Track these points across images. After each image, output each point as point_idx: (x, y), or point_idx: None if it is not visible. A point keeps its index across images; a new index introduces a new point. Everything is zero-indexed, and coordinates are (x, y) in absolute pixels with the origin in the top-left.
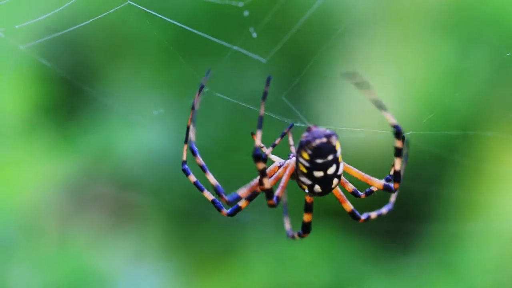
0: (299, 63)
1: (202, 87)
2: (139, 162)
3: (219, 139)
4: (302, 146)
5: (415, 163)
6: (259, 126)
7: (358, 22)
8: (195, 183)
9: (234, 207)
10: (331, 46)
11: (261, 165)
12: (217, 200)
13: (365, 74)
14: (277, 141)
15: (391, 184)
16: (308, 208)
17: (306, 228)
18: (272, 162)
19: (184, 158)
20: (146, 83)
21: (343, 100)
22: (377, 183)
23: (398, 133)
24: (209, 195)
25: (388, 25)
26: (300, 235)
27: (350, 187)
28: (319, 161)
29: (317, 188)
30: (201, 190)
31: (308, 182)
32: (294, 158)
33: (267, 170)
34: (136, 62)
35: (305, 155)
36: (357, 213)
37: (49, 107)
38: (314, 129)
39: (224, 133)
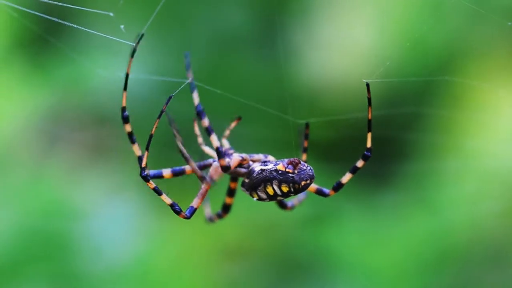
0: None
1: (134, 51)
2: (115, 96)
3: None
4: (286, 181)
5: (390, 106)
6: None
7: None
8: (154, 189)
9: (190, 209)
10: None
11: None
12: (176, 204)
13: (343, 9)
14: None
15: (326, 190)
16: (231, 192)
17: (226, 209)
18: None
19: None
20: (124, 15)
21: (322, 35)
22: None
23: None
24: (167, 199)
25: None
26: (219, 216)
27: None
28: (291, 194)
29: (266, 199)
30: (160, 194)
31: (264, 197)
32: (258, 174)
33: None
34: None
35: (285, 189)
36: (324, 189)
37: (24, 40)
38: (301, 166)
39: (202, 66)
